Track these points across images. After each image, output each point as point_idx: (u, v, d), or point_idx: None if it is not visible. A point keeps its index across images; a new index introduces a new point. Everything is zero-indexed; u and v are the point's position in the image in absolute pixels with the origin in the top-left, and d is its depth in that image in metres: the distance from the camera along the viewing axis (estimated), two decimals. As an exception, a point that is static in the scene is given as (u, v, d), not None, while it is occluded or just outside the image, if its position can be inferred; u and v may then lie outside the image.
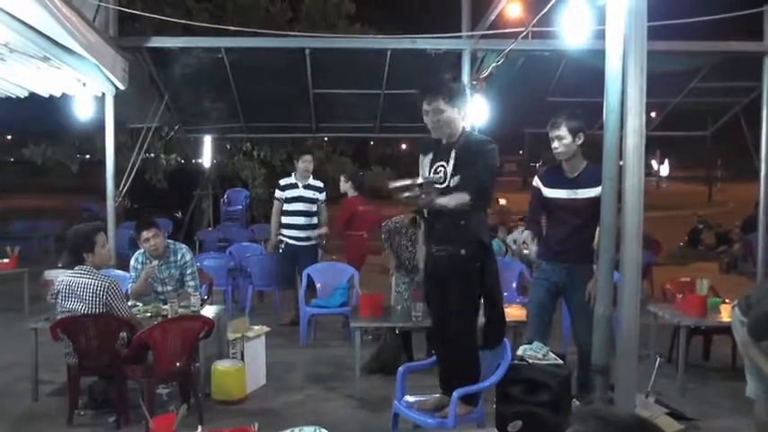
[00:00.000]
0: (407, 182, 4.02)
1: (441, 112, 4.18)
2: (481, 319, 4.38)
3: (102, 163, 7.71)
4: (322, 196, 8.27)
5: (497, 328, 4.35)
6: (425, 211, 4.34)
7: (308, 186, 8.18)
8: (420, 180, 4.05)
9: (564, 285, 5.19)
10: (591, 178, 4.83)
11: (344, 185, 8.32)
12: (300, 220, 8.10)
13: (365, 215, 8.24)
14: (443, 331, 4.36)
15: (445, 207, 4.10)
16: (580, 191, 5.03)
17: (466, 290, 4.20)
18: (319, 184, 8.32)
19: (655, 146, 34.30)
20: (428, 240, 4.41)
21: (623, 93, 3.87)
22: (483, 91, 7.63)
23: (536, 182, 5.37)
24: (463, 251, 4.16)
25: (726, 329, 6.35)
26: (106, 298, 4.86)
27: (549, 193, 5.21)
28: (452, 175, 4.19)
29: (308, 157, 8.31)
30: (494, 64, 7.41)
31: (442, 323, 4.38)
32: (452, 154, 4.21)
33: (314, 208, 8.18)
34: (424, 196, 3.99)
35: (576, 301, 5.10)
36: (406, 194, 3.98)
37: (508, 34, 7.22)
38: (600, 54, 4.61)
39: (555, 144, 5.06)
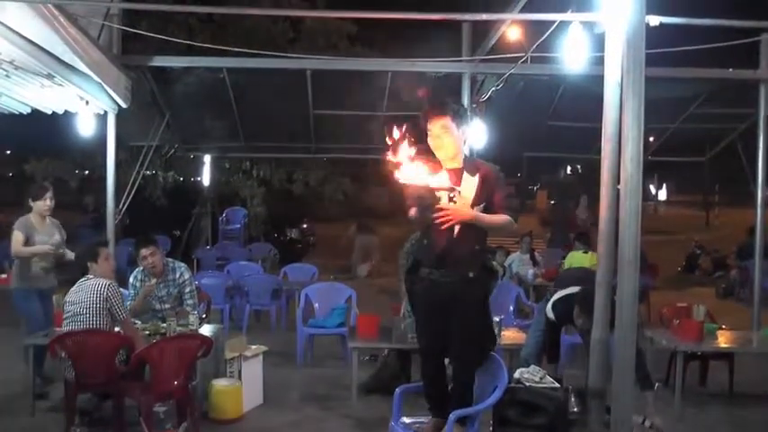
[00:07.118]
0: (445, 186, 3.79)
1: (448, 129, 4.03)
2: None
3: (102, 179, 7.73)
4: None
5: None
6: (432, 233, 4.04)
7: None
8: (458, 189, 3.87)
9: None
10: None
11: None
12: None
13: None
14: (441, 356, 4.22)
15: (481, 222, 3.94)
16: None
17: (476, 315, 4.06)
18: None
19: (653, 170, 34.32)
20: (428, 264, 4.10)
21: (621, 121, 3.89)
22: (482, 114, 7.69)
23: (550, 313, 5.63)
24: (472, 274, 4.01)
25: (722, 355, 6.41)
26: (107, 293, 4.98)
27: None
28: (477, 201, 3.96)
29: None
30: (493, 88, 7.49)
31: (441, 348, 4.18)
32: (466, 177, 4.02)
33: None
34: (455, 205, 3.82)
35: None
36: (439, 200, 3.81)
37: (508, 59, 7.29)
38: (599, 80, 4.67)
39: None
